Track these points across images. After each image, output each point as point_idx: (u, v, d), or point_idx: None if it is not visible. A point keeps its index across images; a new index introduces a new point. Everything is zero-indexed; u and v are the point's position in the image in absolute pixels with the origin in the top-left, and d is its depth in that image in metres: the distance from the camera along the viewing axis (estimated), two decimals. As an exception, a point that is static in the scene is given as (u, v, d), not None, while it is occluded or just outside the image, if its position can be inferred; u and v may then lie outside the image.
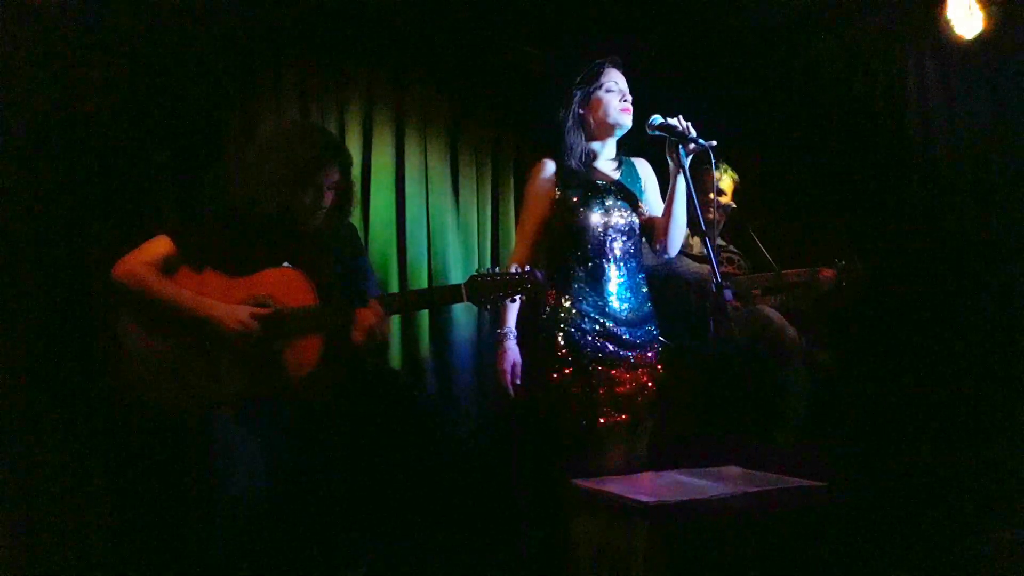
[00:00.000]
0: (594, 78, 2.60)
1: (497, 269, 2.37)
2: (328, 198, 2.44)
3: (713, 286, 2.30)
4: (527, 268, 2.36)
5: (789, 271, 3.57)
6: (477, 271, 2.37)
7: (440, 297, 2.76)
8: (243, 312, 2.26)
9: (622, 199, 2.60)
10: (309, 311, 2.31)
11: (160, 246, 2.33)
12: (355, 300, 2.40)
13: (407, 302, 2.92)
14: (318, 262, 2.42)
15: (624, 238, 2.58)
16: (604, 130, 2.62)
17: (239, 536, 2.26)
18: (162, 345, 2.29)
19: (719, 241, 3.74)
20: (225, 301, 2.28)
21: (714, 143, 2.39)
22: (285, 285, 2.33)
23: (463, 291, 2.32)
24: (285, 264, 2.38)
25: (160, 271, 2.30)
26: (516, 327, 2.63)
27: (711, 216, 3.36)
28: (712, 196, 3.65)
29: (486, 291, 2.32)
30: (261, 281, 2.34)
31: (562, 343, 2.53)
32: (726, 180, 3.67)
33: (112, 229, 2.81)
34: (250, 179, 2.43)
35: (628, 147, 2.70)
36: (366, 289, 2.55)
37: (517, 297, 2.39)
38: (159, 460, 2.75)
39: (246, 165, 2.52)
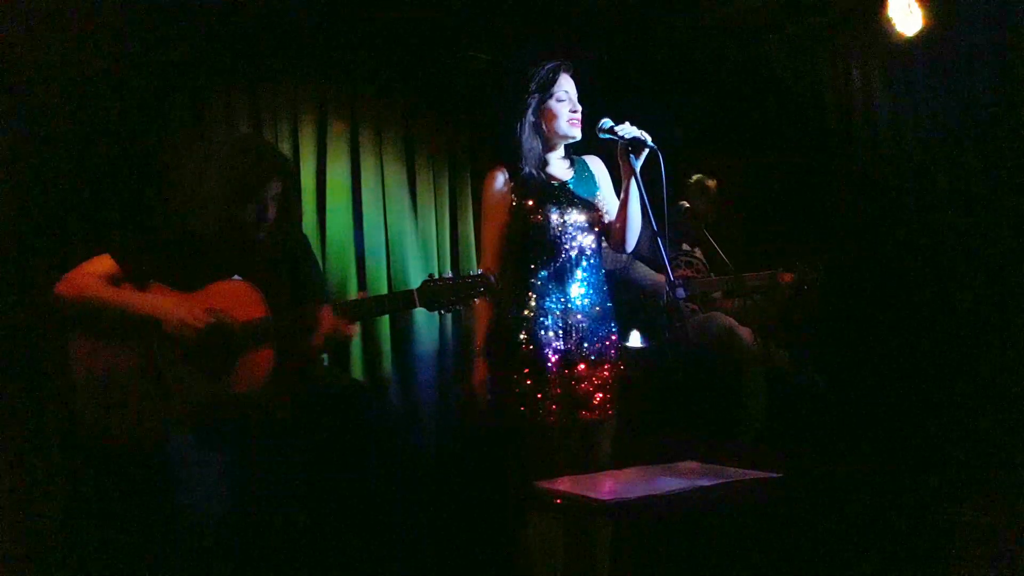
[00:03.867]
0: (547, 86, 2.61)
1: (450, 273, 2.37)
2: (271, 210, 2.40)
3: (667, 287, 2.33)
4: (479, 272, 2.37)
5: (747, 274, 3.63)
6: (430, 276, 2.37)
7: (393, 303, 2.72)
8: (191, 310, 2.23)
9: (577, 199, 2.63)
10: (259, 323, 2.28)
11: (103, 263, 2.29)
12: (308, 309, 2.38)
13: (360, 309, 2.86)
14: (268, 273, 2.40)
15: (582, 236, 2.61)
16: (556, 139, 2.65)
17: (199, 559, 2.22)
18: (112, 362, 2.25)
19: (684, 247, 3.79)
20: None
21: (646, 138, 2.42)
22: (235, 298, 2.30)
23: (415, 296, 2.33)
24: (235, 277, 2.35)
25: (105, 283, 2.27)
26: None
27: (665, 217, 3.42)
28: (682, 203, 3.73)
29: (439, 296, 2.33)
30: (211, 295, 2.30)
31: (524, 343, 2.55)
32: (703, 187, 3.76)
33: (54, 251, 2.77)
34: (191, 195, 2.40)
35: (578, 145, 2.72)
36: (321, 298, 2.52)
37: (475, 303, 2.41)
38: (115, 486, 2.68)
39: (186, 181, 2.49)
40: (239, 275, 2.36)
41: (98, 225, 2.99)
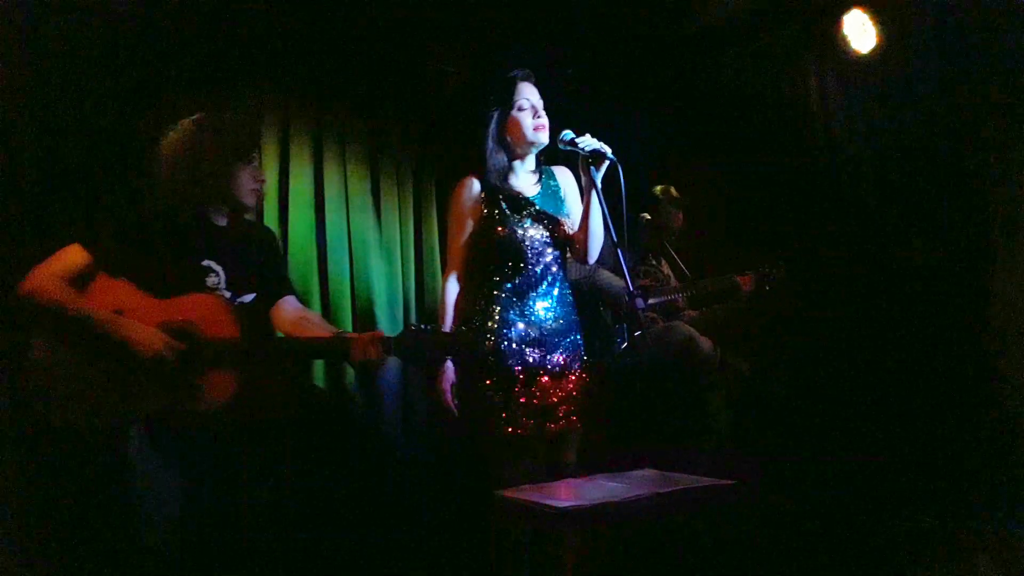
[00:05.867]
0: (506, 97, 2.63)
1: (429, 327, 2.30)
2: (262, 176, 2.39)
3: (627, 297, 2.36)
4: (463, 329, 2.35)
5: (705, 280, 3.69)
6: (412, 325, 2.30)
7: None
8: (159, 338, 2.16)
9: (544, 212, 2.65)
10: (228, 344, 2.22)
11: (72, 255, 2.21)
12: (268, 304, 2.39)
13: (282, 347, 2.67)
14: (240, 259, 2.37)
15: (548, 250, 2.63)
16: (522, 148, 2.66)
17: (153, 559, 2.18)
18: (72, 362, 2.17)
19: (651, 259, 3.84)
20: (143, 323, 2.17)
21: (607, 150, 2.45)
22: (207, 312, 2.23)
23: (392, 344, 2.25)
24: (206, 262, 2.30)
25: (72, 285, 2.18)
26: None
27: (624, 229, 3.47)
28: (643, 216, 3.78)
29: (418, 347, 2.27)
30: (182, 306, 2.23)
31: (490, 355, 2.56)
32: (666, 198, 3.81)
33: (20, 241, 2.70)
34: (184, 168, 2.30)
35: (547, 155, 2.73)
36: (285, 292, 2.51)
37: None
38: (69, 480, 2.60)
39: (175, 156, 2.33)
40: (213, 260, 2.31)
41: (68, 218, 2.90)
